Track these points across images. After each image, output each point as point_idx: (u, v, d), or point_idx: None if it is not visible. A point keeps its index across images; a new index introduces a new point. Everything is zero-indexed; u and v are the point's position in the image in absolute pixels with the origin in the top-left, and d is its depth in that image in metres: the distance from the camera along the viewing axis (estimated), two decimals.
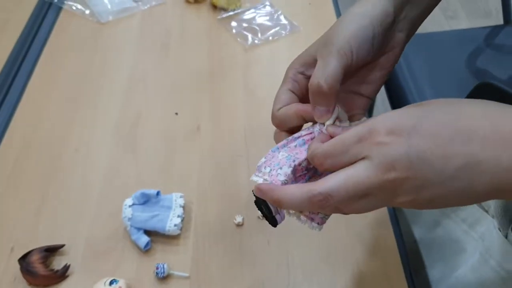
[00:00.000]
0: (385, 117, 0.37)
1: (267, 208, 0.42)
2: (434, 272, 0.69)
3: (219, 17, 0.98)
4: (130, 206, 0.65)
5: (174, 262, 0.63)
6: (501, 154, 0.34)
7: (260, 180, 0.41)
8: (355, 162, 0.36)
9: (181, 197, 0.67)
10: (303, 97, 0.46)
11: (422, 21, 0.50)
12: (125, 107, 0.82)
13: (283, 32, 0.96)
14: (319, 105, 0.42)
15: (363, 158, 0.36)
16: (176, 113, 0.81)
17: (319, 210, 0.39)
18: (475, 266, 0.61)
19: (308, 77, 0.45)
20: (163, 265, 0.61)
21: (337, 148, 0.37)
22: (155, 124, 0.79)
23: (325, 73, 0.41)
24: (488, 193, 0.36)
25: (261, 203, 0.42)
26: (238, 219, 0.67)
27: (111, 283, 0.59)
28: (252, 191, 0.41)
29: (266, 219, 0.43)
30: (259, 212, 0.43)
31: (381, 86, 0.49)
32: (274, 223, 0.43)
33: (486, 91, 0.64)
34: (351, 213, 0.39)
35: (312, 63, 0.44)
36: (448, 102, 0.37)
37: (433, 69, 1.29)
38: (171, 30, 0.96)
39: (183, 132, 0.78)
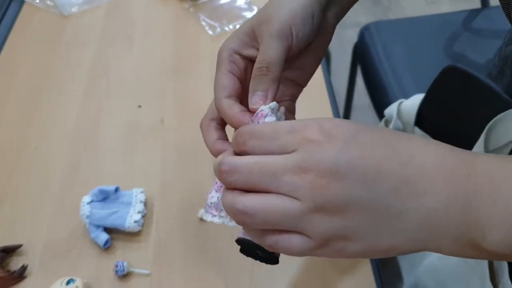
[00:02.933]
0: (325, 119, 0.33)
1: (262, 249, 0.35)
2: (404, 262, 0.68)
3: (186, 6, 0.96)
4: (88, 203, 0.63)
5: (135, 259, 0.61)
6: (440, 190, 0.31)
7: (226, 222, 0.37)
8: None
9: (142, 192, 0.65)
10: (242, 79, 0.43)
11: (350, 7, 0.48)
12: (87, 102, 0.80)
13: None
14: (259, 89, 0.39)
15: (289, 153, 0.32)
16: (140, 106, 0.78)
17: (221, 180, 0.34)
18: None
19: (245, 57, 0.42)
20: (123, 263, 0.59)
21: (266, 132, 0.33)
22: (117, 118, 0.77)
23: (269, 57, 0.39)
24: (419, 229, 0.31)
25: (253, 248, 0.36)
26: (202, 213, 0.65)
27: (68, 282, 0.57)
28: (236, 241, 0.36)
29: (264, 261, 0.37)
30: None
31: (313, 73, 0.47)
32: (274, 261, 0.37)
33: (452, 75, 0.62)
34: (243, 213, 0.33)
35: (248, 42, 0.42)
36: (393, 131, 0.34)
37: (411, 55, 1.27)
38: (137, 21, 0.94)
39: (146, 125, 0.76)
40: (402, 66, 1.25)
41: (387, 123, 0.72)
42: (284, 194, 0.31)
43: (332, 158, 0.30)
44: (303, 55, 0.45)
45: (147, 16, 0.95)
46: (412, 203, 0.31)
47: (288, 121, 0.33)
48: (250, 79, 0.41)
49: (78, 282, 0.57)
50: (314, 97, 0.80)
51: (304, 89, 0.49)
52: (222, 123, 0.43)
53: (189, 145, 0.73)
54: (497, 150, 0.51)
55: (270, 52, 0.40)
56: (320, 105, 0.79)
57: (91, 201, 0.63)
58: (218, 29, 0.92)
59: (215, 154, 0.40)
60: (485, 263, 0.54)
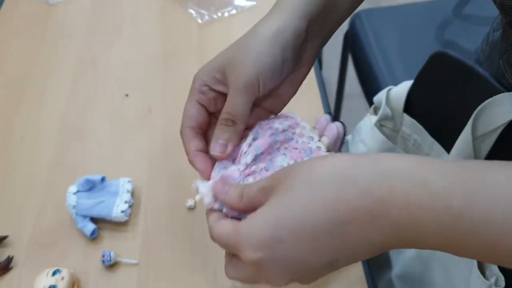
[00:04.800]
0: (250, 232, 0.36)
1: None
2: None
3: None
4: (74, 193, 0.62)
5: (123, 249, 0.61)
6: (373, 232, 0.33)
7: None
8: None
9: (129, 182, 0.65)
10: (211, 107, 0.46)
11: (332, 34, 0.49)
12: (74, 91, 0.79)
13: (240, 7, 0.92)
14: (221, 138, 0.43)
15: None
16: (127, 95, 0.78)
17: None
18: None
19: (215, 92, 0.45)
20: (110, 253, 0.59)
21: (219, 239, 0.40)
22: (104, 107, 0.76)
23: (234, 111, 0.42)
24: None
25: None
26: (190, 202, 0.65)
27: (54, 273, 0.56)
28: None
29: None
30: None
31: (289, 101, 0.48)
32: None
33: (441, 60, 0.62)
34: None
35: (219, 79, 0.44)
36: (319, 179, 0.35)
37: (402, 42, 1.27)
38: (124, 10, 0.92)
39: (134, 115, 0.75)
40: (393, 54, 1.24)
41: (376, 110, 0.72)
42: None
43: (278, 273, 0.36)
44: (279, 86, 0.46)
45: (134, 4, 0.94)
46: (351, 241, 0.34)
47: (228, 231, 0.38)
48: (219, 108, 0.45)
49: (64, 272, 0.56)
50: (303, 88, 0.79)
51: None
52: (201, 130, 0.46)
53: (176, 134, 0.71)
54: (485, 136, 0.51)
55: (236, 106, 0.42)
56: (310, 95, 0.79)
57: (78, 191, 0.62)
58: (206, 17, 0.90)
59: (194, 166, 0.46)
60: None
